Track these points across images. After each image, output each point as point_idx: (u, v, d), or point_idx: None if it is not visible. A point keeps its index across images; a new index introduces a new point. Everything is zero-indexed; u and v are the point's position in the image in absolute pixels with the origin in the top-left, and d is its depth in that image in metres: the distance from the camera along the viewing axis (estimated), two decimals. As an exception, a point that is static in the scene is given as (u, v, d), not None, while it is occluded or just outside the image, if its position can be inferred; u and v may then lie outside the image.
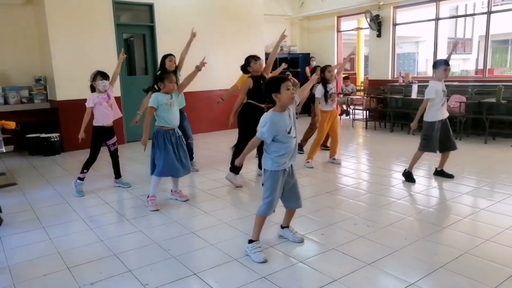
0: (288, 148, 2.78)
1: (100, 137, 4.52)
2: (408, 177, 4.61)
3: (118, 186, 4.75)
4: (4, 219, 3.75)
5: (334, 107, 5.50)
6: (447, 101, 4.48)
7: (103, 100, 4.44)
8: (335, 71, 5.59)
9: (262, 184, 2.87)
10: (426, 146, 4.55)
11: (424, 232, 3.23)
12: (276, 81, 2.75)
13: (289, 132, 2.77)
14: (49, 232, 3.46)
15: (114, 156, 4.70)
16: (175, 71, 5.17)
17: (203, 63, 4.20)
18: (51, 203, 4.25)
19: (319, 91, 5.38)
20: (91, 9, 7.07)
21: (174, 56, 5.21)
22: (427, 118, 4.51)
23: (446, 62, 4.47)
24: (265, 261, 2.76)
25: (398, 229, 3.28)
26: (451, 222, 3.40)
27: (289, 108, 2.81)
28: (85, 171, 4.49)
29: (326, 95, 5.36)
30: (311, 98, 6.19)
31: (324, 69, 5.44)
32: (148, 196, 4.02)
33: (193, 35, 5.37)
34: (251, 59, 4.65)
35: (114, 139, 4.65)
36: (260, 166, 4.66)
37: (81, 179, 4.51)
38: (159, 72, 5.24)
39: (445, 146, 4.59)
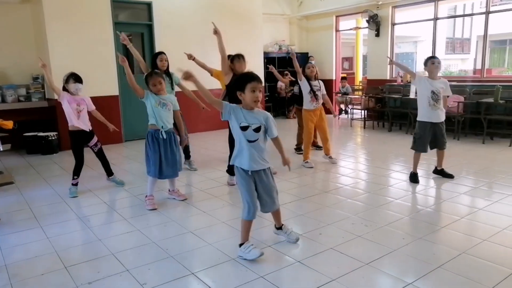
0: (243, 144, 2.71)
1: (77, 141, 4.43)
2: (413, 178, 4.60)
3: (113, 182, 4.73)
4: (1, 218, 3.74)
5: (317, 105, 5.43)
6: (438, 103, 4.41)
7: (73, 101, 4.33)
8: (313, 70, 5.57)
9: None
10: (416, 146, 4.58)
11: (421, 232, 3.23)
12: (243, 78, 2.66)
13: (243, 129, 2.68)
14: (47, 231, 3.45)
15: (100, 155, 4.63)
16: (167, 71, 5.03)
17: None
18: (48, 202, 4.24)
19: (305, 87, 5.38)
20: (89, 8, 7.05)
21: (165, 55, 5.00)
22: (418, 117, 4.55)
23: (433, 56, 4.48)
24: (261, 254, 2.75)
25: (396, 229, 3.29)
26: (449, 222, 3.40)
27: (261, 114, 2.72)
28: (75, 177, 4.43)
29: (312, 92, 5.35)
30: (295, 99, 6.18)
31: (304, 66, 5.46)
32: (146, 196, 4.02)
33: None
34: (235, 57, 4.57)
35: (94, 140, 4.52)
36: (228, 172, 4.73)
37: (75, 184, 4.45)
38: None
39: (433, 144, 4.59)
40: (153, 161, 3.86)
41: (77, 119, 4.35)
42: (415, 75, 4.54)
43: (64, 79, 4.36)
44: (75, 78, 4.34)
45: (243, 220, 2.84)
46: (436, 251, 2.90)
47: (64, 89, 4.38)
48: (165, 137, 3.88)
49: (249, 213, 2.78)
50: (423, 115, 4.49)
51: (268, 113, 2.81)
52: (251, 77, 2.66)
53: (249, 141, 2.71)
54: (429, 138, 4.51)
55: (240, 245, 2.85)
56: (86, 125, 4.44)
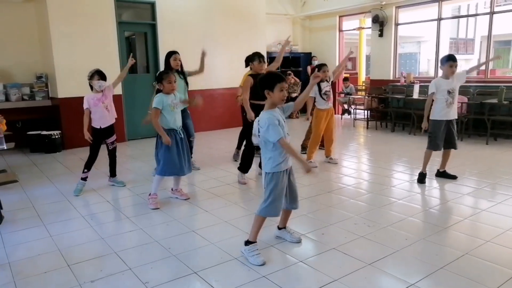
0: (281, 149, 2.73)
1: (99, 137, 4.49)
2: (421, 178, 4.57)
3: (113, 185, 4.74)
4: (5, 216, 3.75)
5: (330, 105, 5.47)
6: (454, 99, 4.40)
7: (99, 101, 4.38)
8: (335, 73, 5.58)
9: (265, 187, 2.84)
10: (432, 144, 4.55)
11: (424, 232, 3.23)
12: (273, 78, 2.69)
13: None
14: (50, 230, 3.46)
15: (112, 155, 4.68)
16: (181, 70, 5.08)
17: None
18: (51, 201, 4.25)
19: (313, 90, 5.37)
20: (93, 7, 7.06)
21: (179, 54, 5.02)
22: (432, 116, 4.50)
23: (452, 58, 4.36)
24: (263, 264, 2.72)
25: (399, 230, 3.28)
26: (452, 223, 3.39)
27: (279, 107, 2.78)
28: (85, 170, 4.48)
29: (321, 94, 5.35)
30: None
31: (320, 67, 5.41)
32: (149, 194, 4.03)
33: (203, 54, 5.21)
34: (256, 57, 4.61)
35: (113, 137, 4.62)
36: (260, 165, 4.68)
37: (84, 179, 4.50)
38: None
39: (447, 143, 4.57)
40: (168, 161, 3.84)
41: (109, 113, 4.46)
42: (433, 94, 4.45)
43: (89, 75, 4.40)
44: (100, 75, 4.37)
45: (260, 217, 2.81)
46: (439, 252, 2.89)
47: (91, 86, 4.43)
48: (182, 136, 3.95)
49: (272, 211, 2.78)
50: (438, 113, 4.45)
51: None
52: (281, 77, 2.72)
53: (287, 135, 2.77)
54: (443, 136, 4.49)
55: (247, 242, 2.84)
56: (113, 116, 4.56)
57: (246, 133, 4.68)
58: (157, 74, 4.04)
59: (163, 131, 3.79)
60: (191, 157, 5.51)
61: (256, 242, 2.84)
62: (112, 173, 4.76)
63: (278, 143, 2.64)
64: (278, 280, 2.53)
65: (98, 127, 4.45)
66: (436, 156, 4.81)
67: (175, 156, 3.86)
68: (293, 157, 2.76)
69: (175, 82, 3.88)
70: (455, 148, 4.61)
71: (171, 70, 5.01)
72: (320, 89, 5.35)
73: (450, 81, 4.39)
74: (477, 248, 2.90)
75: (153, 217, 3.71)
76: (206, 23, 8.44)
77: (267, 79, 2.72)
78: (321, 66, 5.40)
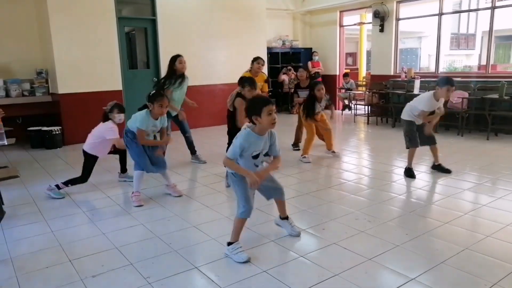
0: (255, 164, 2.77)
1: (94, 163, 4.32)
2: (408, 172, 4.61)
3: (124, 181, 4.73)
4: (6, 211, 3.75)
5: (318, 110, 5.52)
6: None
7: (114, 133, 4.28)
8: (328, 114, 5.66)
9: (228, 186, 2.85)
10: (411, 142, 4.61)
11: (425, 227, 3.23)
12: (258, 103, 2.61)
13: (254, 157, 2.71)
14: (51, 225, 3.47)
15: (120, 153, 4.64)
16: (183, 75, 5.10)
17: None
18: (53, 196, 4.25)
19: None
20: (93, 2, 7.04)
21: (183, 57, 5.06)
22: (407, 117, 4.58)
23: (451, 82, 4.31)
24: (248, 260, 2.69)
25: (399, 225, 3.29)
26: (452, 218, 3.40)
27: (271, 133, 2.74)
28: (69, 185, 4.22)
29: (314, 114, 5.44)
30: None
31: (314, 86, 5.43)
32: (132, 192, 4.02)
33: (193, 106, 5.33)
34: (246, 84, 4.36)
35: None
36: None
37: (60, 188, 4.21)
38: (162, 79, 5.17)
39: (428, 142, 4.64)
40: (141, 155, 3.89)
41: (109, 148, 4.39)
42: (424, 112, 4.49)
43: (108, 108, 4.27)
44: (119, 108, 4.32)
45: (238, 219, 2.79)
46: (439, 247, 2.90)
47: (104, 116, 4.30)
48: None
49: (247, 211, 2.75)
50: (411, 116, 4.55)
51: (275, 132, 2.80)
52: (267, 100, 2.65)
53: (256, 165, 2.78)
54: (417, 132, 4.57)
55: (229, 244, 2.80)
56: (105, 152, 4.42)
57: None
58: (150, 93, 3.93)
59: (158, 143, 4.01)
60: (195, 152, 5.56)
61: (238, 241, 2.80)
62: (123, 169, 4.75)
63: (224, 158, 2.68)
64: (279, 275, 2.54)
65: (99, 155, 4.33)
66: (426, 151, 4.83)
67: (142, 150, 3.90)
68: (238, 171, 2.72)
69: (166, 107, 3.88)
70: (433, 143, 4.67)
71: (176, 75, 5.02)
72: (314, 109, 5.42)
73: (438, 103, 4.44)
74: (477, 243, 2.91)
75: (154, 213, 3.72)
76: (206, 18, 8.42)
77: (253, 104, 2.64)
78: (315, 85, 5.44)
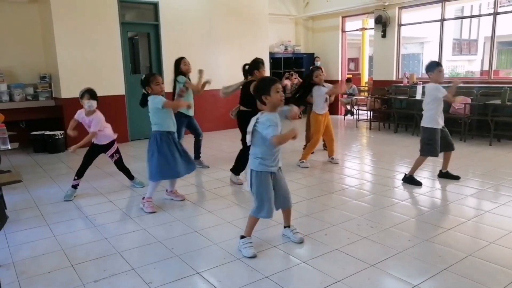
0: (275, 150, 2.82)
1: (93, 150, 4.38)
2: (411, 181, 4.56)
3: (134, 187, 4.71)
4: (9, 216, 3.75)
5: (327, 109, 5.52)
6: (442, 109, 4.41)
7: (83, 120, 4.29)
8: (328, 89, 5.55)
9: (251, 187, 2.86)
10: (430, 151, 4.47)
11: (427, 234, 3.22)
12: (267, 83, 2.80)
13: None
14: (54, 229, 3.48)
15: (119, 166, 4.63)
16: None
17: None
18: (55, 201, 4.26)
19: (321, 92, 5.38)
20: (96, 8, 7.09)
21: (187, 59, 5.24)
22: (430, 124, 4.41)
23: (439, 63, 4.38)
24: (254, 256, 2.82)
25: (402, 231, 3.28)
26: (455, 224, 3.38)
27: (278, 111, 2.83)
28: (76, 178, 4.35)
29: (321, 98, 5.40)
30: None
31: (312, 72, 5.45)
32: (143, 198, 3.98)
33: (202, 78, 5.23)
34: (261, 65, 4.55)
35: (111, 151, 4.48)
36: (233, 171, 4.74)
37: (74, 186, 4.35)
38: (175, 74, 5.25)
39: (444, 146, 4.54)
40: (165, 164, 3.77)
41: (99, 136, 4.35)
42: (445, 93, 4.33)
43: (79, 94, 4.24)
44: (90, 94, 4.18)
45: (251, 217, 2.92)
46: (442, 253, 2.88)
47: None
48: (177, 139, 3.95)
49: (261, 211, 2.84)
50: (435, 122, 4.38)
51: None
52: (273, 79, 2.84)
53: (274, 155, 2.85)
54: (439, 141, 4.46)
55: (242, 237, 2.96)
56: (99, 141, 4.39)
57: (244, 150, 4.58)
58: (142, 77, 3.81)
59: (181, 101, 4.05)
60: (200, 157, 5.56)
61: (250, 237, 2.95)
62: (129, 177, 4.72)
63: (273, 140, 2.69)
64: (281, 281, 2.54)
65: (93, 141, 4.36)
66: (439, 157, 4.79)
67: (170, 159, 3.78)
68: (287, 139, 2.75)
69: (162, 83, 3.78)
70: (452, 149, 4.59)
71: (184, 75, 5.15)
72: (306, 96, 5.44)
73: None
74: (481, 250, 2.90)
75: (156, 218, 3.72)
76: (209, 23, 8.46)
77: (261, 85, 2.83)
78: (313, 71, 5.44)
